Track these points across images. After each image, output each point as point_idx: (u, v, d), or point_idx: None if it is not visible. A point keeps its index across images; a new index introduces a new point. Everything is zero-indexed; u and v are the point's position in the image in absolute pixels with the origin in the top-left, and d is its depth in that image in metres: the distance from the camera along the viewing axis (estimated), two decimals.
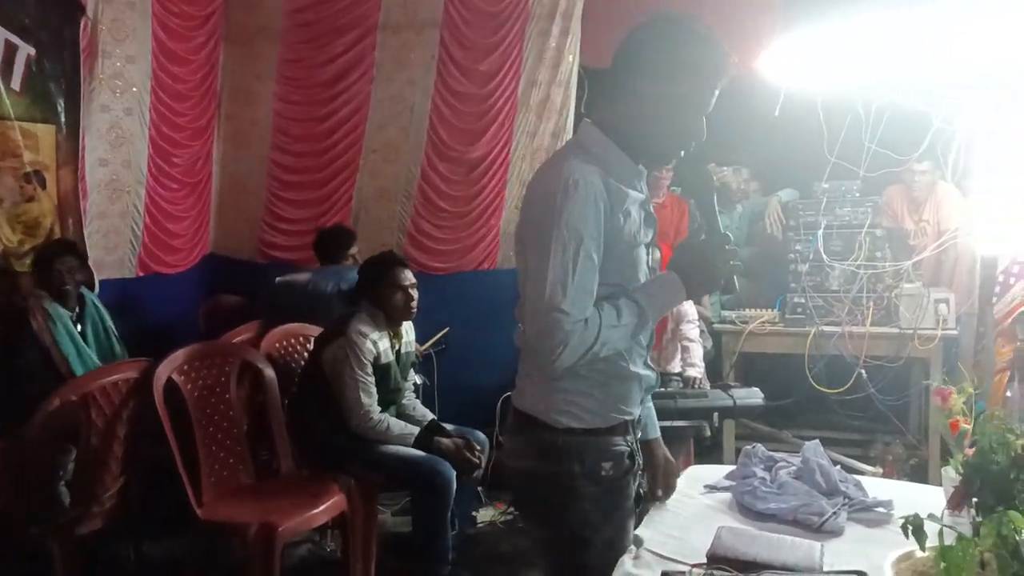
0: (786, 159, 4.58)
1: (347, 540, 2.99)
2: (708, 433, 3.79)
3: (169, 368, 2.80)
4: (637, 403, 1.68)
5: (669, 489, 1.93)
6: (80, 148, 3.80)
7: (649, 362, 1.70)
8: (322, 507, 2.79)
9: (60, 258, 3.32)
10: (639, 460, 1.70)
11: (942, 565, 1.35)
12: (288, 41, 4.60)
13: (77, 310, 3.40)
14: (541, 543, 1.70)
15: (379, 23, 4.47)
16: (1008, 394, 3.60)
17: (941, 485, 2.00)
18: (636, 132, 1.56)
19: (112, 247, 4.07)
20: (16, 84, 3.53)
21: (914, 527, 1.44)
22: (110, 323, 3.52)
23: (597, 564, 1.62)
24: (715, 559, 1.55)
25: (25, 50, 3.54)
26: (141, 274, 4.25)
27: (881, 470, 3.99)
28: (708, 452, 4.41)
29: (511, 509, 3.95)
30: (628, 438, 1.66)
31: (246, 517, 2.69)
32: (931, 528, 1.53)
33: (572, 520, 1.61)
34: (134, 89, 4.02)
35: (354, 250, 4.08)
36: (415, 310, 3.15)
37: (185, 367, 2.87)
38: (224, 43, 4.57)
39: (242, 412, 3.07)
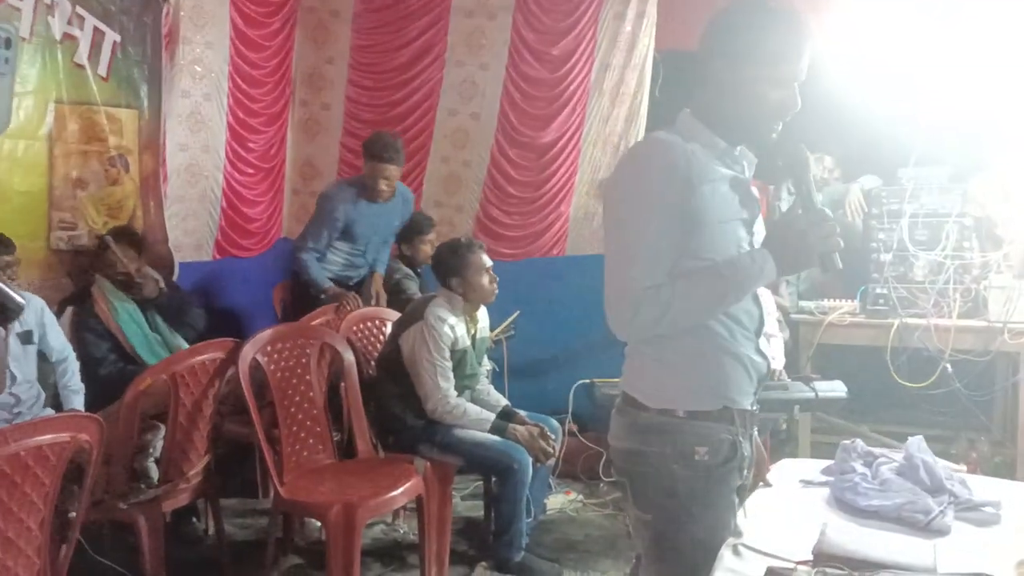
0: (868, 144, 4.43)
1: (422, 523, 3.01)
2: (784, 426, 3.71)
3: (254, 348, 2.84)
4: (745, 391, 1.63)
5: (758, 482, 1.91)
6: (161, 133, 3.88)
7: (762, 349, 1.65)
8: (401, 489, 2.81)
9: (116, 246, 3.25)
10: (745, 453, 1.65)
11: None
12: (360, 26, 4.62)
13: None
14: (637, 524, 1.69)
15: (452, 7, 4.46)
16: None
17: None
18: (730, 114, 1.57)
19: (190, 230, 4.16)
20: (102, 70, 3.62)
21: None
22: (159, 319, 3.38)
23: (691, 550, 1.61)
24: (822, 557, 1.50)
25: (111, 37, 3.62)
26: (218, 257, 4.33)
27: (965, 468, 3.84)
28: (782, 446, 4.33)
29: (581, 497, 3.95)
30: (732, 427, 1.61)
31: (327, 498, 2.72)
32: None
33: (665, 502, 1.61)
34: (213, 75, 4.09)
35: (431, 236, 4.10)
36: (494, 295, 3.15)
37: (268, 348, 2.92)
38: (298, 29, 4.61)
39: (322, 394, 3.10)
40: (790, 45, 1.52)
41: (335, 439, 3.19)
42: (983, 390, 4.04)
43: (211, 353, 2.78)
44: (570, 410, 3.80)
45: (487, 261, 3.16)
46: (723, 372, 1.60)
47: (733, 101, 1.56)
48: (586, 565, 3.30)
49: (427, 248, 4.07)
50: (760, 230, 1.65)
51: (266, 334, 2.94)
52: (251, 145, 4.39)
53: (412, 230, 4.11)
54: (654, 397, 1.61)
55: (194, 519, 3.39)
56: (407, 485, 2.84)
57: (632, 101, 4.32)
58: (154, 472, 2.73)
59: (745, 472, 1.69)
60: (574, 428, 4.00)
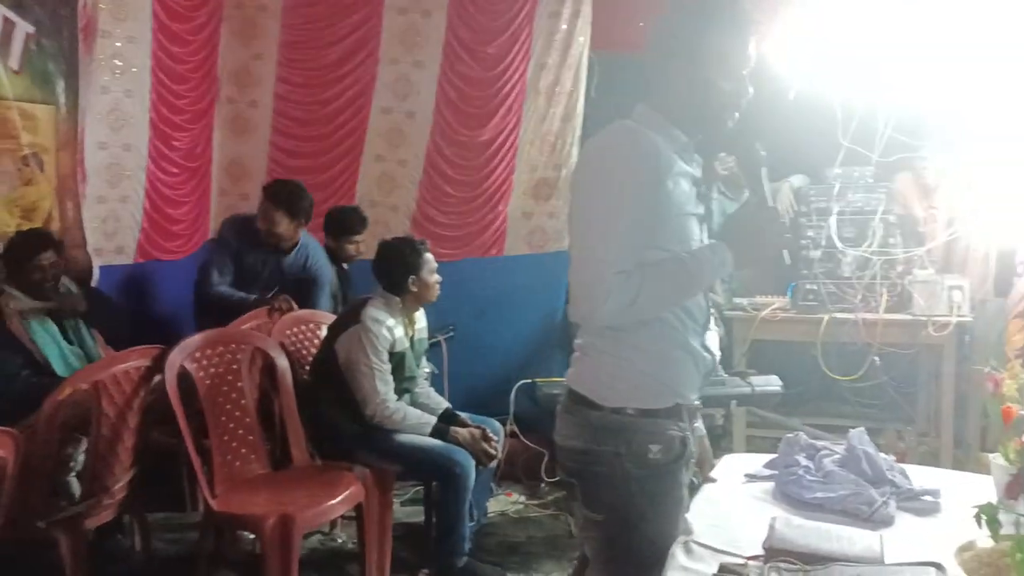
0: (796, 144, 4.53)
1: (363, 531, 2.93)
2: (720, 422, 3.77)
3: (182, 355, 2.72)
4: (694, 387, 1.65)
5: (704, 478, 1.93)
6: (79, 130, 3.68)
7: (707, 344, 1.66)
8: (340, 498, 2.73)
9: (40, 253, 3.03)
10: (692, 448, 1.65)
11: (1019, 556, 1.31)
12: (290, 22, 4.49)
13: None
14: (586, 524, 1.68)
15: (385, 3, 4.38)
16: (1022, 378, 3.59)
17: (951, 470, 1.97)
18: (686, 108, 1.59)
19: (111, 233, 3.96)
20: (14, 63, 3.41)
21: (988, 516, 1.40)
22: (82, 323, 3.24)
23: (643, 550, 1.60)
24: (773, 551, 1.50)
25: (24, 28, 3.42)
26: (141, 260, 4.15)
27: (894, 458, 3.97)
28: (718, 440, 4.39)
29: (523, 499, 3.92)
30: (682, 423, 1.62)
31: (262, 509, 2.62)
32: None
33: (617, 502, 1.60)
34: (134, 70, 3.90)
35: (361, 237, 4.01)
36: (438, 294, 3.10)
37: (197, 354, 2.80)
38: (224, 24, 4.46)
39: (254, 401, 2.99)
40: (736, 36, 1.56)
41: (268, 448, 3.08)
42: (909, 382, 4.18)
43: (135, 361, 2.65)
44: (512, 411, 3.77)
45: (431, 262, 3.12)
46: (675, 366, 1.61)
47: (688, 96, 1.58)
48: (529, 567, 3.28)
49: (353, 248, 3.98)
50: (711, 227, 1.67)
51: (194, 340, 2.82)
52: (176, 143, 4.22)
53: (343, 227, 3.99)
54: (607, 395, 1.59)
55: (119, 535, 3.23)
56: (346, 493, 2.76)
57: (568, 100, 4.33)
58: (76, 487, 2.59)
59: (692, 467, 1.70)
60: (516, 429, 3.97)
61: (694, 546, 1.57)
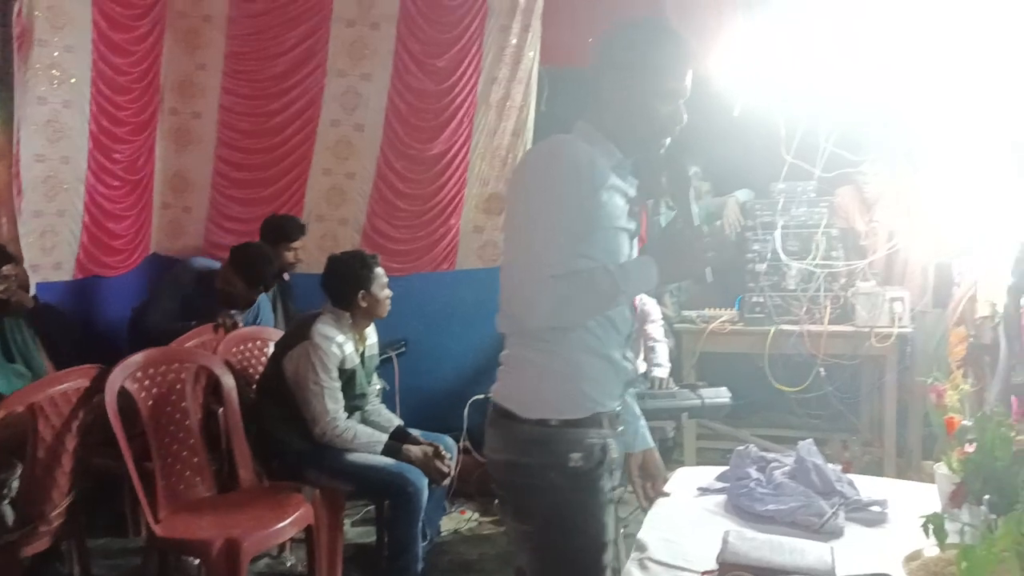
0: (742, 159, 4.62)
1: (312, 554, 2.86)
2: (671, 434, 3.80)
3: (123, 375, 2.63)
4: (614, 395, 1.68)
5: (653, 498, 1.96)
6: (15, 142, 3.56)
7: (628, 355, 1.70)
8: (288, 520, 2.66)
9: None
10: (613, 454, 1.66)
11: (963, 565, 1.33)
12: (235, 32, 4.42)
13: None
14: (518, 536, 1.70)
15: (332, 15, 4.33)
16: (963, 387, 3.70)
17: (894, 478, 2.01)
18: (623, 127, 1.65)
19: (49, 248, 3.83)
20: None
21: (935, 526, 1.43)
22: (27, 330, 3.18)
23: (574, 557, 1.63)
24: (727, 566, 1.51)
25: None
26: (80, 276, 4.02)
27: (840, 467, 4.05)
28: (669, 453, 4.43)
29: (476, 516, 3.89)
30: (603, 431, 1.64)
31: (207, 533, 2.54)
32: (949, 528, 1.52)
33: (545, 512, 1.62)
34: (73, 80, 3.79)
35: (299, 244, 3.95)
36: (388, 310, 3.06)
37: (139, 374, 2.71)
38: (168, 33, 4.37)
39: (199, 421, 2.91)
40: (674, 61, 1.63)
41: (214, 469, 2.99)
42: (853, 392, 4.27)
43: (74, 381, 2.55)
44: (465, 427, 3.74)
45: (382, 277, 3.09)
46: (596, 376, 1.64)
47: (625, 114, 1.64)
48: None
49: (291, 255, 3.92)
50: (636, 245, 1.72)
51: (136, 358, 2.73)
52: (116, 156, 4.11)
53: (280, 234, 3.92)
54: (529, 408, 1.62)
55: (57, 563, 3.10)
56: (295, 515, 2.70)
57: (519, 115, 4.33)
58: (9, 515, 2.47)
59: (616, 473, 1.72)
60: (469, 445, 3.94)
61: (649, 563, 1.58)
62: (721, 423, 4.36)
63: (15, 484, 2.50)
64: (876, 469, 4.05)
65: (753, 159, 4.33)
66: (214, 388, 3.03)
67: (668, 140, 1.67)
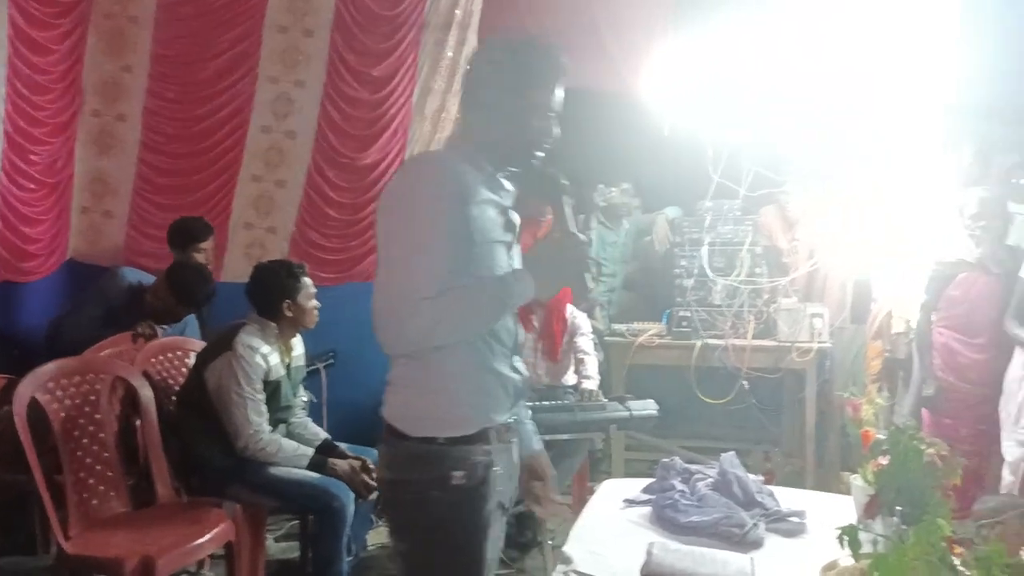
0: (670, 177, 4.72)
1: (232, 571, 2.78)
2: (599, 446, 3.83)
3: (32, 386, 2.51)
4: (503, 409, 1.67)
5: (547, 506, 1.89)
6: None
7: (517, 366, 1.71)
8: (207, 536, 2.58)
9: None
10: (496, 469, 1.65)
11: (876, 574, 1.38)
12: (163, 35, 4.29)
13: None
14: (397, 555, 1.69)
15: (265, 22, 4.25)
16: (878, 401, 3.84)
17: (817, 491, 2.08)
18: (494, 140, 1.66)
19: None
20: None
21: (850, 537, 1.47)
22: None
23: (452, 574, 1.63)
24: None
25: None
26: None
27: (762, 478, 4.15)
28: (598, 464, 4.47)
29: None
30: (488, 447, 1.64)
31: (121, 551, 2.44)
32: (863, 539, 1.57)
33: (422, 529, 1.62)
34: None
35: (207, 244, 3.86)
36: (316, 320, 3.01)
37: (51, 384, 2.59)
38: (91, 33, 4.22)
39: (114, 435, 2.79)
40: (543, 76, 1.64)
41: (130, 484, 2.88)
42: (775, 405, 4.40)
43: None
44: None
45: (309, 287, 3.03)
46: (482, 391, 1.64)
47: (496, 128, 1.65)
48: None
49: (201, 257, 3.82)
50: (517, 255, 1.74)
51: (48, 368, 2.61)
52: (33, 158, 3.94)
53: (188, 236, 3.82)
54: (415, 426, 1.61)
55: None
56: (214, 531, 2.62)
57: (454, 126, 4.32)
58: None
59: (510, 485, 1.72)
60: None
61: (572, 574, 1.58)
62: (648, 435, 4.41)
63: None
64: (797, 479, 4.17)
65: (682, 177, 4.43)
66: (132, 400, 2.92)
67: (540, 154, 1.68)
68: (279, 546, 3.62)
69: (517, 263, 1.70)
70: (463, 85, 1.71)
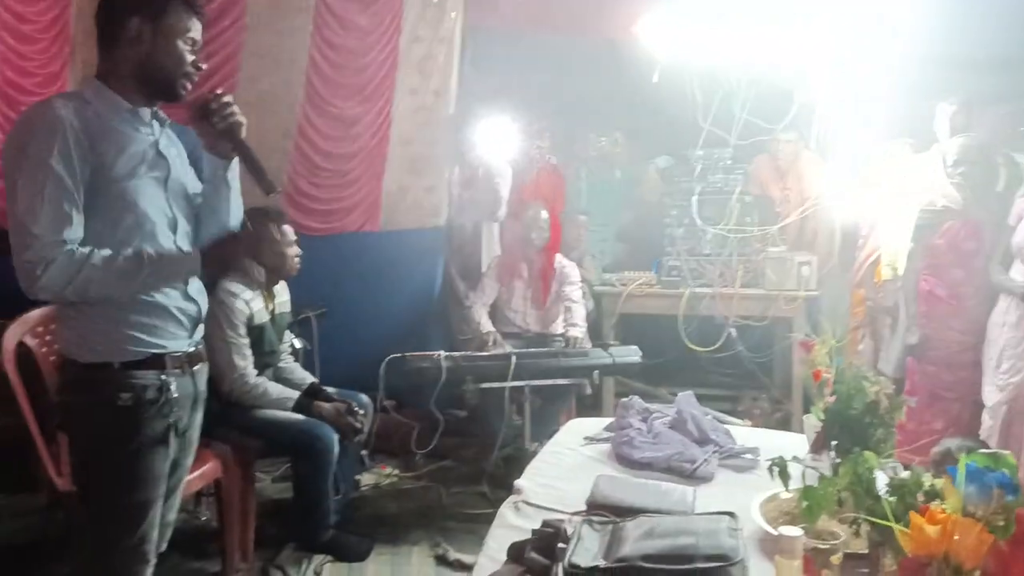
0: (661, 126, 4.69)
1: (223, 508, 2.88)
2: (589, 391, 3.91)
3: (21, 330, 2.58)
4: (178, 336, 1.77)
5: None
6: None
7: (191, 294, 1.80)
8: (195, 474, 2.66)
9: None
10: (173, 393, 1.75)
11: (804, 504, 1.43)
12: None
13: None
14: (73, 468, 1.81)
15: None
16: (860, 347, 3.88)
17: (804, 433, 2.13)
18: (130, 74, 1.71)
19: None
20: None
21: (780, 468, 1.53)
22: None
23: (117, 487, 1.73)
24: (594, 506, 1.60)
25: None
26: None
27: (749, 423, 4.22)
28: (590, 408, 4.55)
29: (396, 472, 3.94)
30: (163, 373, 1.73)
31: None
32: (796, 471, 1.62)
33: (90, 448, 1.73)
34: None
35: None
36: (298, 267, 3.06)
37: (39, 329, 2.66)
38: None
39: None
40: (173, 18, 1.69)
41: None
42: (763, 352, 4.44)
43: None
44: (381, 385, 3.77)
45: (287, 234, 3.08)
46: (153, 321, 1.73)
47: (128, 59, 1.69)
48: (398, 537, 3.30)
49: None
50: (187, 185, 1.82)
51: (36, 313, 2.67)
52: (24, 109, 3.96)
53: None
54: (85, 353, 1.70)
55: None
56: (201, 469, 2.70)
57: (442, 75, 4.31)
58: None
59: (178, 410, 1.79)
60: (388, 404, 3.98)
61: (523, 505, 1.65)
62: (639, 381, 4.49)
63: None
64: (786, 424, 4.23)
65: (673, 126, 4.41)
66: None
67: (186, 83, 1.74)
68: (276, 487, 3.73)
69: (171, 196, 1.76)
70: (98, 24, 1.74)
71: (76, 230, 1.60)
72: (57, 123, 1.59)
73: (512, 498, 1.69)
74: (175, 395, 1.75)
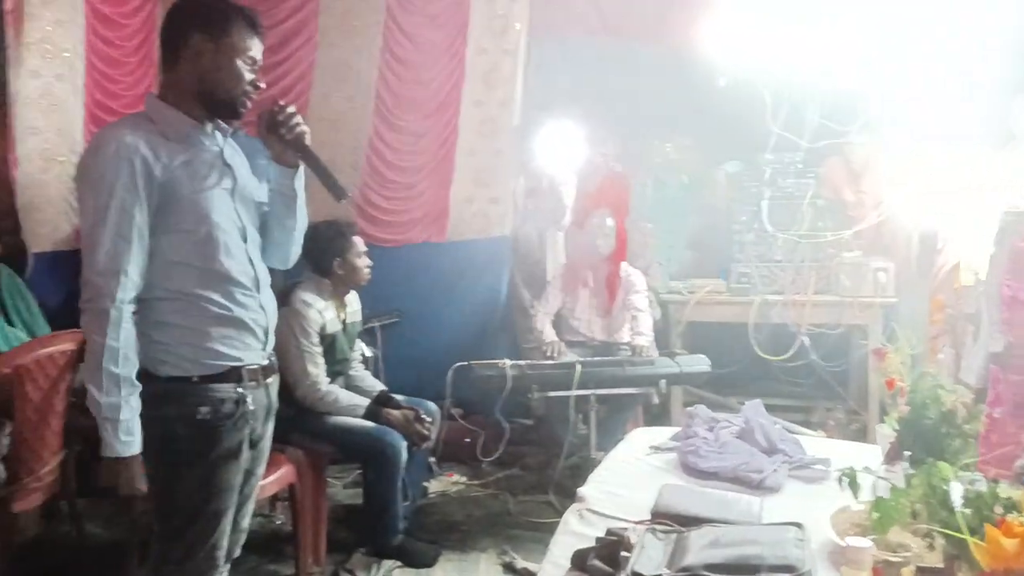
0: (728, 131, 4.62)
1: (296, 512, 2.97)
2: (656, 400, 3.87)
3: None
4: (250, 348, 1.79)
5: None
6: (11, 116, 3.64)
7: (263, 304, 1.82)
8: (270, 479, 2.75)
9: None
10: (250, 406, 1.79)
11: (875, 515, 1.40)
12: None
13: None
14: (149, 482, 1.78)
15: None
16: (940, 356, 3.73)
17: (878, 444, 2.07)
18: (190, 91, 1.74)
19: (45, 219, 3.92)
20: None
21: (849, 479, 1.49)
22: (30, 297, 3.33)
23: (190, 499, 1.75)
24: (658, 515, 1.59)
25: None
26: (77, 247, 4.10)
27: (823, 434, 4.10)
28: (658, 418, 4.50)
29: (463, 479, 3.98)
30: (240, 386, 1.76)
31: None
32: (867, 482, 1.58)
33: (165, 460, 1.74)
34: (65, 54, 3.85)
35: None
36: (368, 278, 3.13)
37: None
38: (160, 6, 4.41)
39: None
40: (231, 24, 1.73)
41: None
42: (837, 361, 4.32)
43: (61, 345, 2.64)
44: (449, 393, 3.82)
45: (358, 245, 3.15)
46: (230, 336, 1.75)
47: (190, 79, 1.72)
48: (466, 544, 3.33)
49: None
50: (254, 194, 1.85)
51: None
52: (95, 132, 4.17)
53: None
54: (165, 367, 1.73)
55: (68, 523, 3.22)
56: (277, 474, 2.78)
57: (507, 86, 4.35)
58: (1, 472, 2.58)
59: (253, 422, 1.83)
60: (455, 412, 4.02)
61: (586, 513, 1.65)
62: (708, 391, 4.42)
63: (5, 442, 2.60)
64: (862, 436, 4.10)
65: (741, 130, 4.35)
66: None
67: (246, 101, 1.78)
68: (347, 492, 3.81)
69: (244, 201, 1.80)
70: (162, 45, 1.77)
71: (135, 258, 1.65)
72: (123, 149, 1.63)
73: (576, 506, 1.69)
74: (251, 408, 1.79)
